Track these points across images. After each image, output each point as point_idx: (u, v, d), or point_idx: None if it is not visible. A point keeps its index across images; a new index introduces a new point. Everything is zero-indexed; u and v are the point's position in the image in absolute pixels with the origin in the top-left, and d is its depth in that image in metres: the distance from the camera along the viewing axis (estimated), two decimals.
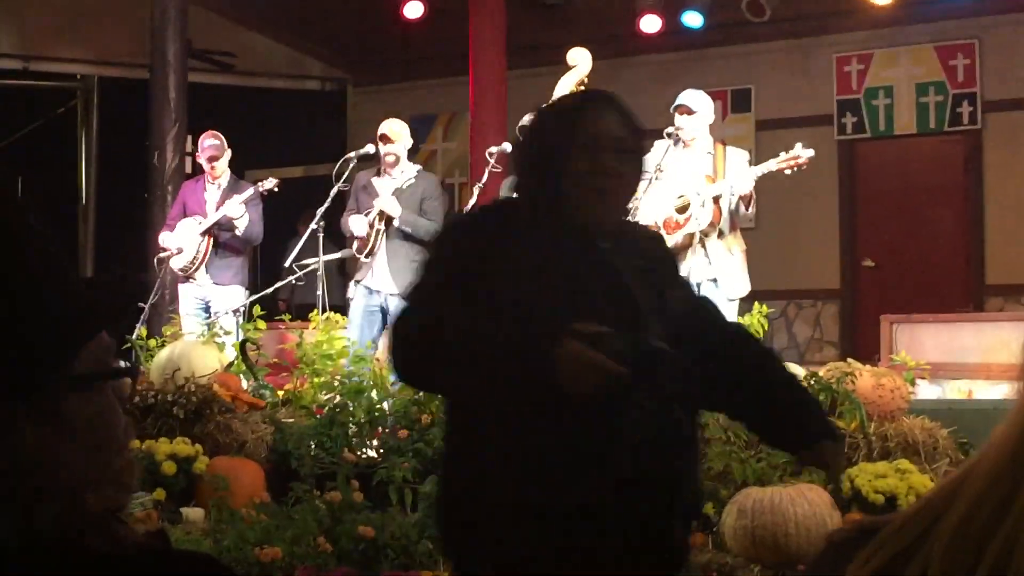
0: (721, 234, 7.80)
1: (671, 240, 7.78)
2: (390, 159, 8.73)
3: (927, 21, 12.07)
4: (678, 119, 7.91)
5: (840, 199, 12.42)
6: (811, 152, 7.63)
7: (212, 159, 9.54)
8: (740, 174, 7.68)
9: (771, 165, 7.63)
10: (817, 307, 12.73)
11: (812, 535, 5.16)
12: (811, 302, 12.72)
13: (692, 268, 7.66)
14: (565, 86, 8.23)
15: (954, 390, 8.46)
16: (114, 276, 1.57)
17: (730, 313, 7.74)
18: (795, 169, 7.67)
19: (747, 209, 7.76)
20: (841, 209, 12.51)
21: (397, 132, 8.73)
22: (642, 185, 7.78)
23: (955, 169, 12.21)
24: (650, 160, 7.87)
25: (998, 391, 8.09)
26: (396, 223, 8.59)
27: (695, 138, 7.91)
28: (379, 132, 8.74)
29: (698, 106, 7.92)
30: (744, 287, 7.84)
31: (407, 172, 8.74)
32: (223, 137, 9.61)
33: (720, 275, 7.75)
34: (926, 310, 10.09)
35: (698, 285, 7.66)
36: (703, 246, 7.74)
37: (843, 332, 12.57)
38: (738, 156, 7.95)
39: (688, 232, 7.73)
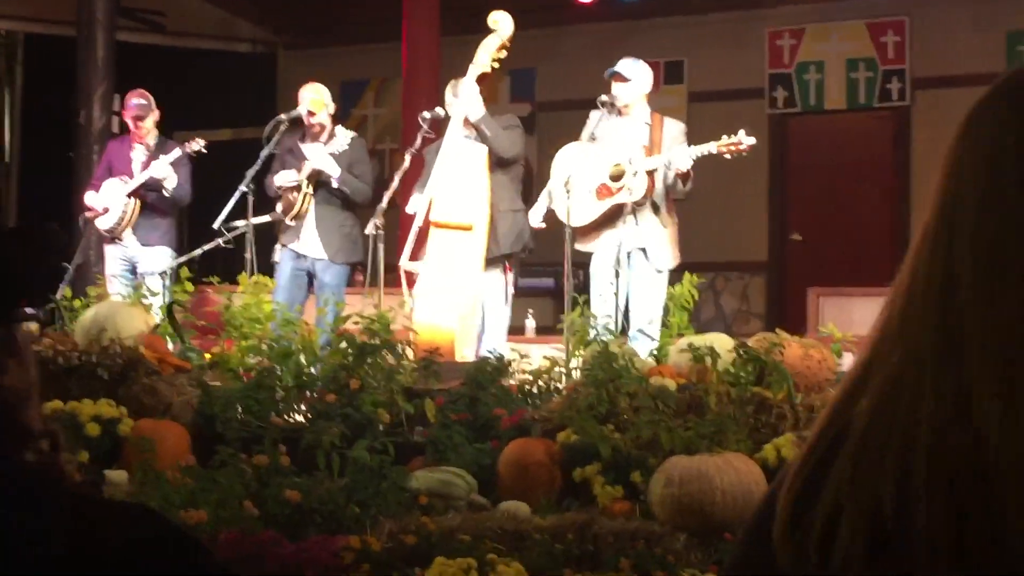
0: (655, 207, 7.80)
1: (600, 207, 7.78)
2: (316, 128, 8.68)
3: None
4: (614, 87, 7.90)
5: (770, 173, 12.49)
6: (753, 140, 7.62)
7: (138, 119, 9.41)
8: (679, 151, 7.66)
9: (711, 147, 7.61)
10: (745, 279, 12.82)
11: (738, 504, 5.20)
12: (739, 274, 12.81)
13: (622, 237, 7.67)
14: (487, 50, 8.19)
15: None
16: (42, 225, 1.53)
17: (658, 284, 7.77)
18: (733, 155, 7.67)
19: (684, 186, 7.76)
20: (771, 183, 12.59)
21: (317, 101, 8.66)
22: (575, 152, 7.82)
23: (884, 145, 12.33)
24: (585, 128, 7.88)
25: None
26: (335, 183, 8.53)
27: (629, 105, 7.90)
28: (300, 106, 8.67)
29: (632, 74, 7.91)
30: (673, 259, 7.86)
31: (340, 137, 8.68)
32: (151, 96, 9.48)
33: (649, 246, 7.77)
34: (853, 284, 10.20)
35: (628, 255, 7.68)
36: (634, 216, 7.74)
37: (770, 305, 12.67)
38: (675, 128, 7.95)
39: (619, 201, 7.73)
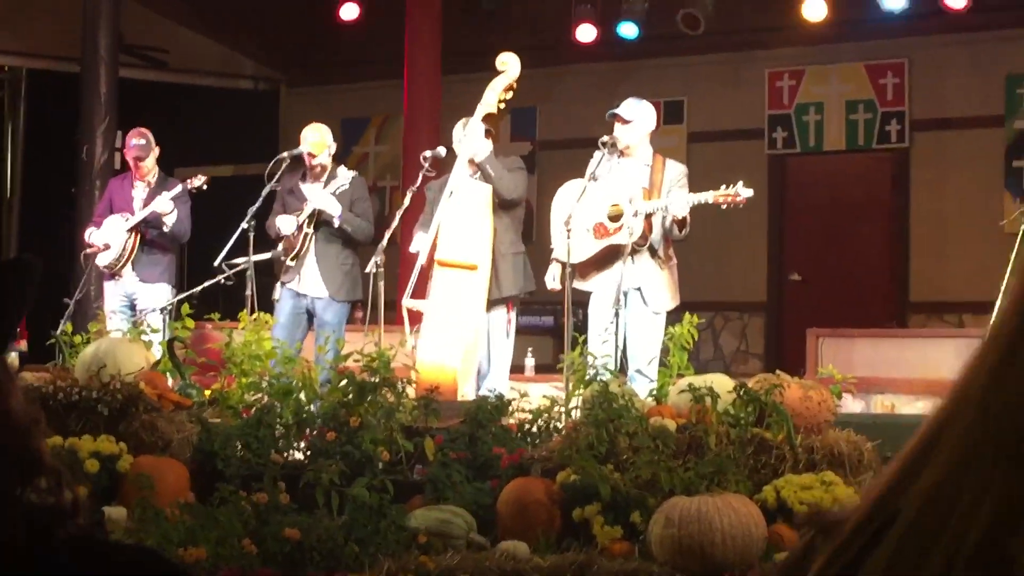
0: (652, 250, 7.80)
1: (597, 246, 7.80)
2: (317, 170, 8.71)
3: (858, 40, 12.22)
4: (616, 128, 7.92)
5: (769, 213, 12.52)
6: (750, 192, 7.59)
7: (138, 159, 9.44)
8: (676, 197, 7.65)
9: (708, 197, 7.59)
10: (744, 319, 12.83)
11: (738, 545, 5.19)
12: (738, 314, 12.82)
13: (620, 278, 7.67)
14: (494, 90, 8.23)
15: (877, 404, 8.57)
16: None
17: (656, 325, 7.77)
18: (730, 206, 7.66)
19: (680, 232, 7.76)
20: (770, 223, 12.62)
21: (318, 143, 8.68)
22: (575, 190, 7.84)
23: (882, 186, 12.36)
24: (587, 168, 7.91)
25: (920, 406, 8.20)
26: (336, 222, 8.54)
27: (630, 146, 7.91)
28: (302, 147, 8.70)
29: (633, 115, 7.92)
30: (671, 301, 7.84)
31: (341, 177, 8.69)
32: (150, 135, 9.50)
33: (646, 287, 7.76)
34: (851, 325, 10.22)
35: (625, 294, 7.68)
36: (632, 257, 7.75)
37: (768, 345, 12.68)
38: (676, 170, 7.94)
39: (616, 242, 7.74)
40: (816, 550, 0.97)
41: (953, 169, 11.94)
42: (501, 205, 8.02)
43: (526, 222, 8.70)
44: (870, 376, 8.26)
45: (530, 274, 8.19)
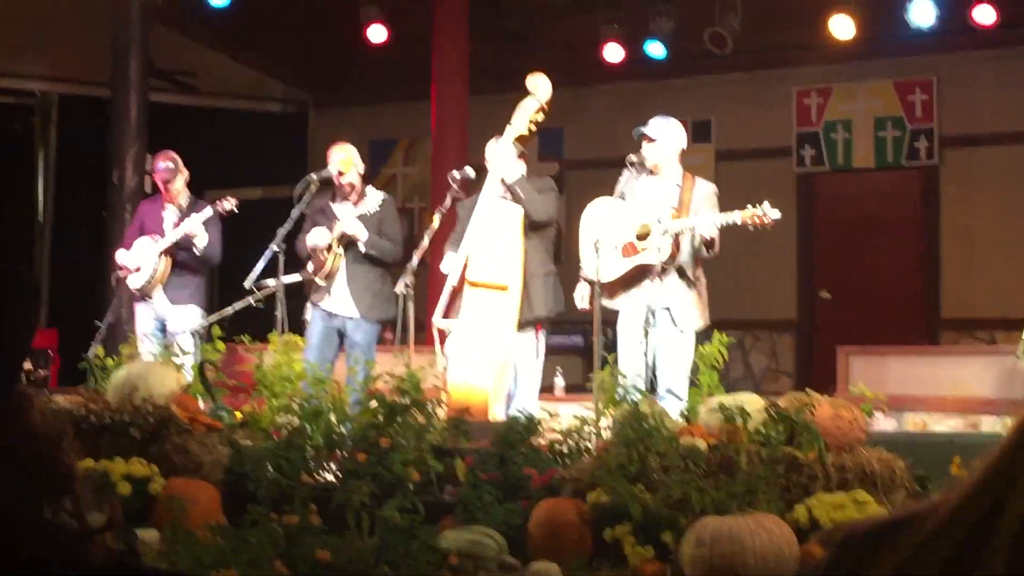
0: (681, 269, 7.77)
1: (625, 265, 7.78)
2: (347, 189, 8.73)
3: (886, 57, 12.19)
4: (643, 147, 7.91)
5: (798, 231, 12.50)
6: (778, 214, 7.54)
7: (166, 182, 9.50)
8: (704, 218, 7.63)
9: (736, 217, 7.55)
10: (773, 338, 12.80)
11: (770, 565, 5.17)
12: (767, 332, 12.79)
13: (649, 297, 7.65)
14: (524, 112, 8.24)
15: (909, 422, 8.52)
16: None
17: (685, 345, 7.74)
18: (757, 227, 7.61)
19: (708, 252, 7.73)
20: (799, 241, 12.59)
21: (345, 161, 8.71)
22: (604, 207, 7.84)
23: (912, 203, 12.33)
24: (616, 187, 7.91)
25: (952, 423, 8.15)
26: (362, 247, 8.57)
27: (659, 165, 7.90)
28: (330, 168, 8.73)
29: (659, 134, 7.91)
30: (700, 321, 7.80)
31: (370, 197, 8.71)
32: (177, 158, 9.55)
33: (674, 307, 7.74)
34: (881, 342, 10.18)
35: (653, 314, 7.65)
36: (660, 277, 7.73)
37: (799, 363, 12.65)
38: (706, 189, 7.89)
39: (644, 261, 7.73)
40: (841, 566, 1.00)
41: (983, 185, 11.90)
42: (531, 226, 8.03)
43: (556, 245, 8.70)
44: (901, 394, 8.22)
45: (561, 294, 8.19)
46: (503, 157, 8.11)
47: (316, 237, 8.64)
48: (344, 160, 8.72)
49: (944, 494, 1.04)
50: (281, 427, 6.98)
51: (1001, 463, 1.00)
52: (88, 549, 1.41)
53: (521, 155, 8.20)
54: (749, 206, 7.55)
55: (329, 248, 8.60)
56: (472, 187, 8.50)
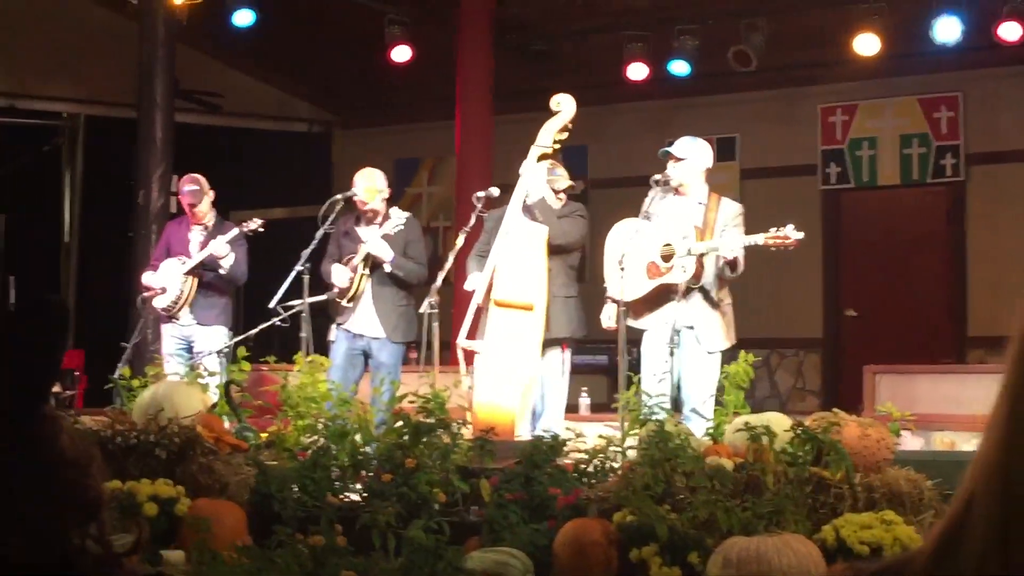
0: (705, 291, 7.74)
1: (649, 285, 7.77)
2: (370, 214, 8.74)
3: (911, 74, 12.16)
4: (669, 166, 7.89)
5: (824, 248, 12.46)
6: (801, 235, 7.51)
7: (191, 205, 9.53)
8: (728, 239, 7.61)
9: (759, 239, 7.54)
10: (800, 356, 12.75)
11: None
12: (794, 351, 12.75)
13: (674, 316, 7.63)
14: (549, 131, 8.25)
15: (937, 441, 8.47)
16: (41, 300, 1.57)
17: (710, 364, 7.71)
18: (781, 248, 7.59)
19: (732, 272, 7.70)
20: (825, 258, 12.55)
21: (370, 189, 8.72)
22: (629, 228, 7.83)
23: (938, 220, 12.28)
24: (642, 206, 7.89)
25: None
26: (388, 268, 8.58)
27: (684, 184, 7.87)
28: (354, 191, 8.74)
29: (685, 153, 7.89)
30: (726, 340, 7.77)
31: (395, 218, 8.72)
32: (203, 180, 9.57)
33: (699, 326, 7.71)
34: (908, 361, 10.13)
35: (678, 333, 7.63)
36: (685, 297, 7.71)
37: (825, 382, 12.59)
38: (732, 209, 7.87)
39: (668, 281, 7.71)
40: None
41: (1009, 202, 11.84)
42: (553, 249, 8.03)
43: (580, 268, 8.68)
44: (929, 413, 8.18)
45: (582, 317, 8.19)
46: (529, 177, 8.13)
47: (337, 276, 8.64)
48: (368, 189, 8.73)
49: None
50: (306, 447, 6.99)
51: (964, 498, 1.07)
52: (115, 573, 1.41)
53: (559, 190, 8.19)
54: (772, 228, 7.53)
55: (354, 270, 8.61)
56: (496, 205, 8.50)
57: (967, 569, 1.01)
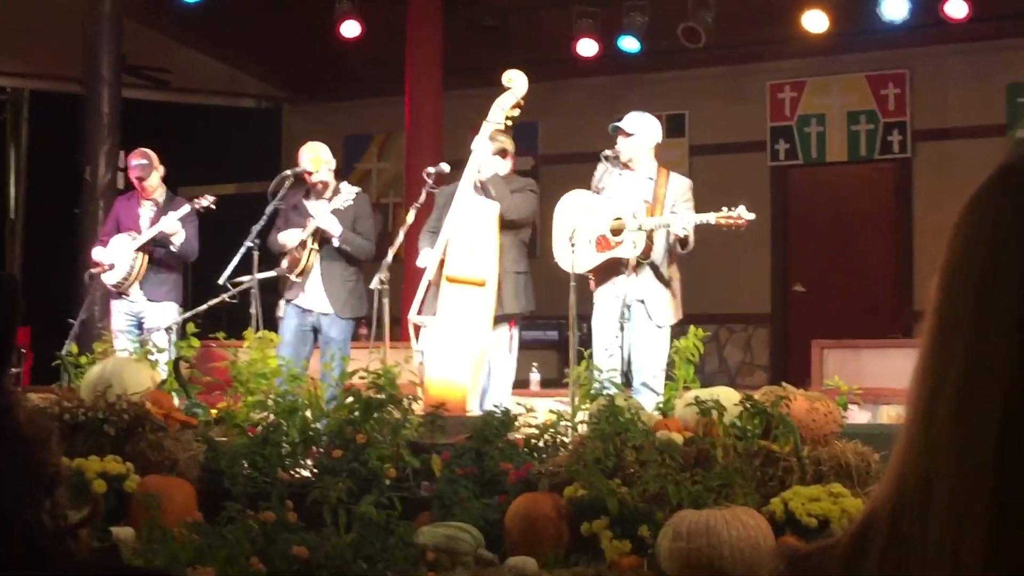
0: (655, 266, 7.78)
1: (598, 259, 7.79)
2: (319, 187, 8.72)
3: (859, 51, 12.23)
4: (618, 141, 7.91)
5: (772, 225, 12.52)
6: (752, 216, 7.56)
7: (140, 179, 9.46)
8: (677, 216, 7.64)
9: (710, 218, 7.57)
10: (748, 331, 12.82)
11: (747, 558, 5.19)
12: (742, 326, 12.82)
13: (624, 291, 7.65)
14: (501, 107, 8.24)
15: (884, 415, 8.55)
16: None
17: (660, 339, 7.75)
18: (732, 228, 7.61)
19: (683, 249, 7.74)
20: (773, 234, 12.61)
21: (316, 160, 8.70)
22: (578, 200, 7.84)
23: (885, 197, 12.37)
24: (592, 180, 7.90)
25: None
26: (336, 242, 8.56)
27: (633, 159, 7.90)
28: (300, 166, 8.72)
29: (634, 128, 7.91)
30: (674, 315, 7.82)
31: (344, 193, 8.70)
32: (152, 155, 9.50)
33: (649, 301, 7.74)
34: (856, 336, 10.21)
35: (628, 307, 7.66)
36: (635, 271, 7.74)
37: (773, 356, 12.67)
38: (680, 185, 7.91)
39: (617, 255, 7.73)
40: None
41: (955, 179, 11.92)
42: (505, 224, 8.03)
43: (530, 243, 8.69)
44: (876, 387, 8.24)
45: (531, 293, 8.20)
46: (478, 153, 8.12)
47: (288, 237, 8.63)
48: (313, 159, 8.71)
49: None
50: (256, 424, 6.97)
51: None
52: (69, 547, 1.41)
53: (502, 151, 8.19)
54: (724, 208, 7.56)
55: (303, 245, 8.59)
56: (447, 181, 8.49)
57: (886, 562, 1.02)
